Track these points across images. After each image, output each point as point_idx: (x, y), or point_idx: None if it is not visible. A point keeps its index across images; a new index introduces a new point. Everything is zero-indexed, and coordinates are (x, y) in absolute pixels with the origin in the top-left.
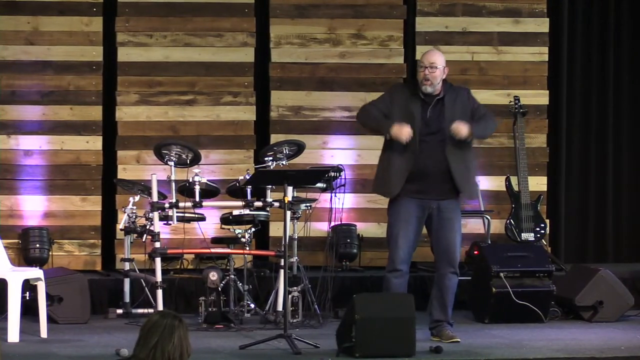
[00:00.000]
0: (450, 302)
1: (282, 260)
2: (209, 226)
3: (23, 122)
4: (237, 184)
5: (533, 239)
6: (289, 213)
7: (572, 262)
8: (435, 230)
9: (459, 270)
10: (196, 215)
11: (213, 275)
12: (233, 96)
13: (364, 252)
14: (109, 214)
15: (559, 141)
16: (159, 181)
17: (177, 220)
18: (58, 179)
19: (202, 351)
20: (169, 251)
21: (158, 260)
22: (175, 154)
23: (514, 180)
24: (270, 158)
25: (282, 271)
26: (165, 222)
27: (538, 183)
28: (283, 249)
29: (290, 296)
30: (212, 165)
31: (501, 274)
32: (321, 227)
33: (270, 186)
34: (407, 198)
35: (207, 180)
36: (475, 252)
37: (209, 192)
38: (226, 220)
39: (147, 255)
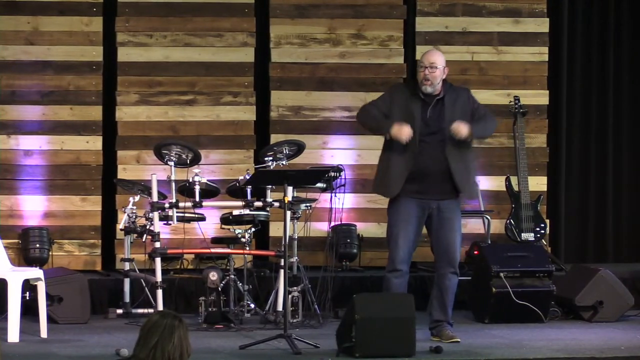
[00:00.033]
0: (450, 302)
1: (282, 260)
2: (209, 226)
3: (23, 122)
4: (237, 184)
5: (533, 239)
6: (289, 213)
7: (572, 262)
8: (435, 230)
9: (459, 270)
10: (196, 215)
11: (213, 275)
12: (233, 96)
13: (364, 252)
14: (109, 214)
15: (559, 141)
16: (159, 181)
17: (177, 220)
18: (58, 179)
19: (202, 351)
20: (169, 251)
21: (158, 260)
22: (175, 154)
23: (514, 180)
24: (270, 158)
25: (282, 271)
26: (165, 222)
27: (538, 183)
28: (283, 249)
29: (290, 296)
30: (212, 165)
31: (501, 274)
32: (321, 227)
33: (270, 186)
34: (407, 198)
35: (207, 180)
36: (475, 252)
37: (209, 192)
38: (226, 220)
39: (147, 255)
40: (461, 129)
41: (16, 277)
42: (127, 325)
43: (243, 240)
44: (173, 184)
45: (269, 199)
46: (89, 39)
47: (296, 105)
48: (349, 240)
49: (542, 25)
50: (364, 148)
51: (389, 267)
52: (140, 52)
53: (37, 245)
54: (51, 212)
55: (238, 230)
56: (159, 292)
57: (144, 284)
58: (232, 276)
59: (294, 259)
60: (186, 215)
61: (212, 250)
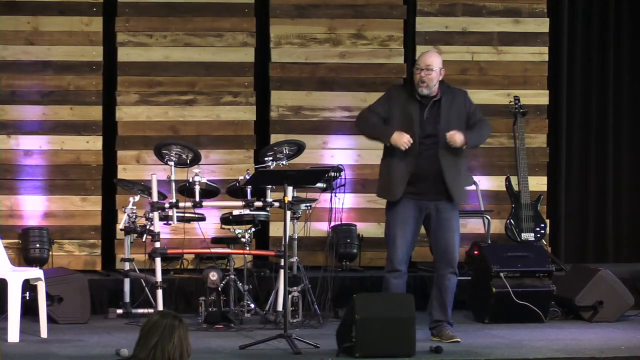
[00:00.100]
0: (449, 302)
1: (282, 260)
2: (209, 226)
3: (23, 122)
4: (237, 184)
5: (533, 239)
6: (289, 213)
7: (572, 262)
8: (434, 230)
9: (459, 270)
10: (196, 215)
11: (213, 275)
12: (233, 96)
13: (364, 252)
14: (109, 214)
15: (559, 141)
16: (159, 181)
17: (177, 220)
18: (58, 179)
19: (202, 351)
20: (169, 251)
21: (158, 260)
22: (175, 154)
23: (514, 180)
24: (270, 158)
25: (282, 271)
26: (165, 222)
27: (538, 183)
28: (283, 249)
29: (290, 296)
30: (212, 165)
31: (501, 274)
32: (321, 227)
33: (270, 186)
34: (405, 199)
35: (207, 180)
36: (475, 252)
37: (209, 192)
38: (226, 220)
39: (147, 255)
40: (456, 138)
41: (16, 277)
42: (127, 325)
43: (243, 240)
44: (173, 184)
45: (269, 199)
46: (89, 39)
47: (296, 105)
48: (349, 240)
49: (542, 25)
50: (364, 148)
51: (388, 268)
52: (140, 52)
53: (37, 245)
54: (51, 212)
55: (238, 230)
56: (159, 292)
57: (144, 284)
58: (232, 276)
59: (294, 259)
60: (186, 215)
61: (212, 250)
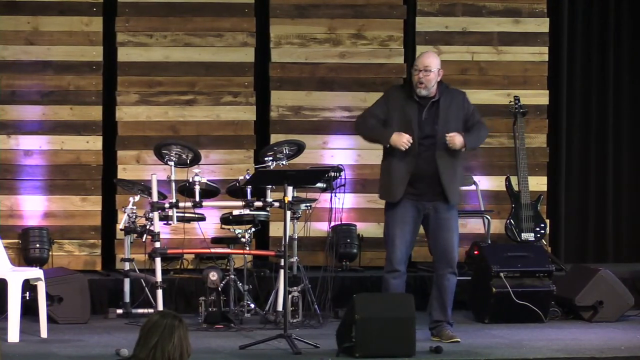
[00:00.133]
0: (449, 302)
1: (282, 260)
2: (209, 226)
3: (23, 122)
4: (237, 184)
5: (533, 239)
6: (289, 213)
7: (572, 262)
8: (433, 230)
9: (459, 270)
10: (196, 215)
11: (213, 275)
12: (233, 96)
13: (364, 252)
14: (109, 214)
15: (559, 141)
16: (159, 181)
17: (177, 220)
18: (58, 179)
19: (202, 351)
20: (169, 251)
21: (158, 260)
22: (175, 154)
23: (514, 180)
24: (270, 158)
25: (282, 271)
26: (165, 222)
27: (538, 183)
28: (283, 249)
29: (290, 296)
30: (212, 165)
31: (501, 274)
32: (321, 227)
33: (270, 186)
34: (404, 199)
35: (207, 180)
36: (475, 252)
37: (209, 192)
38: (226, 220)
39: (147, 255)
40: (456, 140)
41: (16, 277)
42: (127, 325)
43: (243, 240)
44: (173, 184)
45: (269, 199)
46: (89, 39)
47: (296, 105)
48: (349, 240)
49: (542, 25)
50: (364, 148)
51: (387, 268)
52: (140, 52)
53: (37, 245)
54: (51, 212)
55: (238, 230)
56: (159, 292)
57: (144, 284)
58: (232, 276)
59: (294, 259)
60: (186, 215)
61: (212, 250)
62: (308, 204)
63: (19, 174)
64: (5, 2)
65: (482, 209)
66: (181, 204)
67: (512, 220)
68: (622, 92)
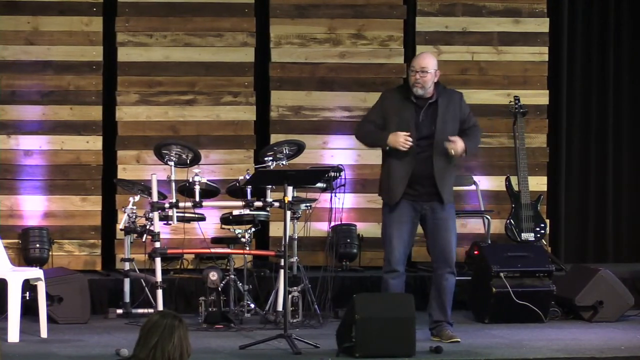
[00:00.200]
0: (448, 302)
1: (282, 260)
2: (209, 226)
3: (23, 122)
4: (237, 184)
5: (533, 239)
6: (289, 213)
7: (572, 262)
8: (431, 231)
9: (459, 270)
10: (196, 215)
11: (213, 275)
12: (233, 96)
13: (364, 252)
14: (109, 214)
15: (559, 141)
16: (159, 181)
17: (177, 220)
18: (58, 179)
19: (202, 351)
20: (169, 251)
21: (158, 260)
22: (175, 154)
23: (514, 180)
24: (270, 158)
25: (282, 271)
26: (165, 222)
27: (538, 183)
28: (283, 249)
29: (290, 296)
30: (212, 165)
31: (501, 274)
32: (321, 227)
33: (270, 186)
34: (401, 200)
35: (207, 180)
36: (475, 252)
37: (209, 192)
38: (226, 220)
39: (147, 255)
40: (457, 147)
41: (16, 277)
42: (127, 325)
43: (243, 240)
44: (173, 184)
45: (269, 199)
46: (89, 39)
47: (296, 105)
48: (349, 240)
49: (542, 25)
50: (364, 148)
51: (386, 268)
52: (140, 52)
53: (37, 245)
54: (51, 212)
55: (238, 230)
56: (159, 292)
57: (144, 284)
58: (232, 276)
59: (294, 259)
60: (186, 215)
61: (212, 250)
62: (308, 204)
63: (19, 174)
64: (5, 2)
65: (482, 209)
66: (181, 204)
67: (512, 220)
68: (622, 92)
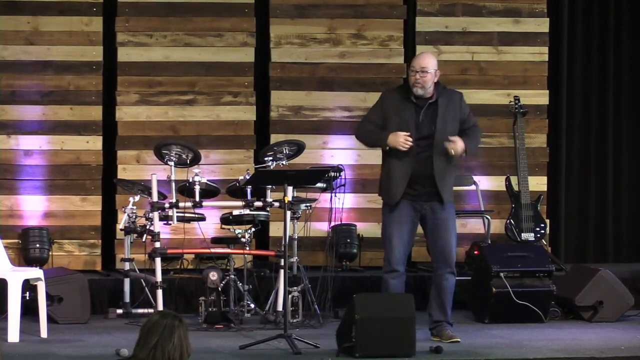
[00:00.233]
0: (448, 302)
1: (282, 260)
2: (209, 226)
3: (23, 122)
4: (237, 184)
5: (533, 239)
6: (289, 213)
7: (572, 262)
8: (430, 231)
9: (459, 270)
10: (196, 215)
11: (213, 275)
12: (233, 96)
13: (364, 252)
14: (109, 214)
15: (559, 141)
16: (159, 181)
17: (177, 220)
18: (58, 179)
19: (202, 351)
20: (169, 251)
21: (158, 260)
22: (175, 154)
23: (514, 180)
24: (270, 158)
25: (282, 271)
26: (165, 222)
27: (538, 183)
28: (283, 249)
29: (290, 296)
30: (212, 165)
31: (501, 274)
32: (321, 227)
33: (270, 186)
34: (401, 199)
35: (207, 180)
36: (475, 252)
37: (209, 192)
38: (226, 220)
39: (147, 255)
40: (458, 147)
41: (16, 277)
42: (127, 325)
43: (243, 240)
44: (173, 184)
45: (269, 199)
46: (89, 39)
47: (296, 105)
48: (349, 240)
49: (542, 25)
50: (364, 148)
51: (386, 268)
52: (140, 52)
53: (37, 245)
54: (51, 212)
55: (238, 230)
56: (159, 292)
57: (144, 284)
58: (232, 276)
59: (294, 259)
60: (186, 215)
61: (212, 250)
62: (308, 204)
63: (19, 174)
64: (5, 2)
65: (482, 209)
66: (181, 204)
67: (512, 220)
68: (622, 92)
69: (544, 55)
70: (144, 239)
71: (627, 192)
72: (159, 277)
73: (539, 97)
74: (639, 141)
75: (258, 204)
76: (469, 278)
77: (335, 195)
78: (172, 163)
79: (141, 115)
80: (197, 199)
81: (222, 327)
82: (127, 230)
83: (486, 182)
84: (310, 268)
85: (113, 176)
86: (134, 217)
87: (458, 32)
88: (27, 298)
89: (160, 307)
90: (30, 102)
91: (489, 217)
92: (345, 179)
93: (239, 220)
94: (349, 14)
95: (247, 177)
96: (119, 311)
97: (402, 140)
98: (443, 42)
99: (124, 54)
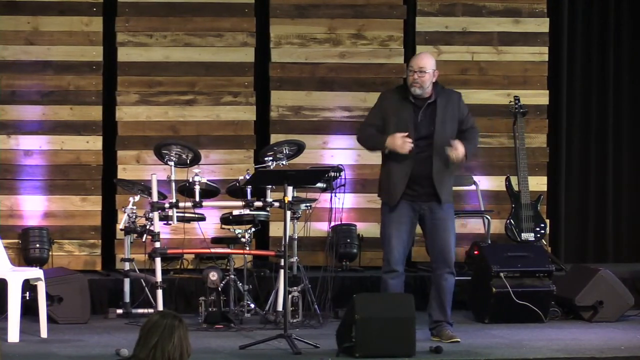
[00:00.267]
0: (448, 302)
1: (282, 260)
2: (209, 226)
3: (23, 122)
4: (237, 184)
5: (533, 239)
6: (289, 213)
7: (572, 262)
8: (429, 231)
9: (459, 270)
10: (196, 215)
11: (213, 275)
12: (233, 96)
13: (364, 252)
14: (109, 214)
15: (559, 141)
16: (159, 181)
17: (177, 220)
18: (58, 179)
19: (202, 351)
20: (169, 251)
21: (158, 260)
22: (175, 154)
23: (514, 180)
24: (270, 158)
25: (282, 271)
26: (165, 222)
27: (538, 183)
28: (283, 249)
29: (290, 296)
30: (212, 165)
31: (501, 274)
32: (321, 227)
33: (270, 186)
34: (400, 200)
35: (207, 180)
36: (475, 252)
37: (209, 192)
38: (226, 220)
39: (147, 255)
40: (459, 152)
41: (16, 277)
42: (127, 325)
43: (243, 240)
44: (173, 184)
45: (269, 199)
46: (89, 39)
47: (296, 105)
48: (349, 240)
49: (542, 25)
50: (364, 148)
51: (385, 269)
52: (140, 52)
53: (37, 245)
54: (51, 212)
55: (238, 230)
56: (159, 292)
57: (144, 284)
58: (232, 276)
59: (294, 259)
60: (186, 215)
61: (212, 250)
62: (308, 204)
63: (19, 174)
64: (5, 2)
65: (482, 209)
66: (181, 204)
67: (512, 220)
68: (622, 92)
69: (544, 55)
70: (144, 239)
71: (627, 192)
72: (159, 277)
73: (539, 97)
74: (639, 141)
75: (258, 204)
76: (469, 278)
77: (335, 195)
78: (172, 163)
79: (141, 115)
80: (197, 199)
81: (222, 327)
82: (127, 230)
83: (486, 182)
84: (310, 268)
85: (113, 176)
86: (134, 217)
87: (458, 32)
88: (27, 298)
89: (160, 307)
90: (30, 102)
91: (489, 217)
92: (345, 179)
93: (239, 220)
94: (349, 14)
95: (247, 177)
96: (119, 311)
97: (399, 142)
98: (443, 42)
99: (124, 54)
